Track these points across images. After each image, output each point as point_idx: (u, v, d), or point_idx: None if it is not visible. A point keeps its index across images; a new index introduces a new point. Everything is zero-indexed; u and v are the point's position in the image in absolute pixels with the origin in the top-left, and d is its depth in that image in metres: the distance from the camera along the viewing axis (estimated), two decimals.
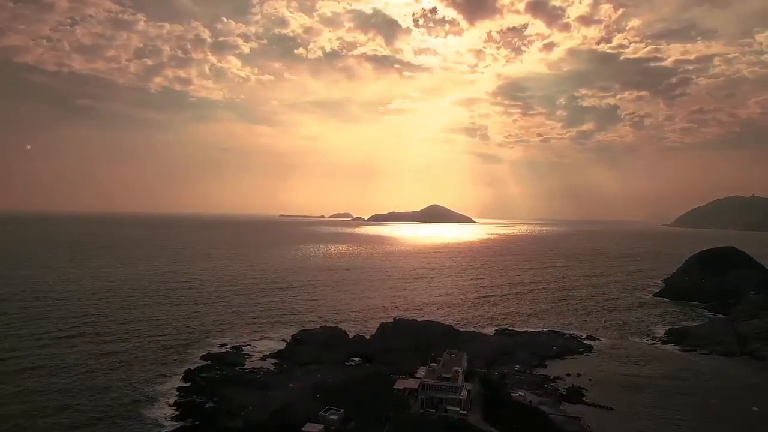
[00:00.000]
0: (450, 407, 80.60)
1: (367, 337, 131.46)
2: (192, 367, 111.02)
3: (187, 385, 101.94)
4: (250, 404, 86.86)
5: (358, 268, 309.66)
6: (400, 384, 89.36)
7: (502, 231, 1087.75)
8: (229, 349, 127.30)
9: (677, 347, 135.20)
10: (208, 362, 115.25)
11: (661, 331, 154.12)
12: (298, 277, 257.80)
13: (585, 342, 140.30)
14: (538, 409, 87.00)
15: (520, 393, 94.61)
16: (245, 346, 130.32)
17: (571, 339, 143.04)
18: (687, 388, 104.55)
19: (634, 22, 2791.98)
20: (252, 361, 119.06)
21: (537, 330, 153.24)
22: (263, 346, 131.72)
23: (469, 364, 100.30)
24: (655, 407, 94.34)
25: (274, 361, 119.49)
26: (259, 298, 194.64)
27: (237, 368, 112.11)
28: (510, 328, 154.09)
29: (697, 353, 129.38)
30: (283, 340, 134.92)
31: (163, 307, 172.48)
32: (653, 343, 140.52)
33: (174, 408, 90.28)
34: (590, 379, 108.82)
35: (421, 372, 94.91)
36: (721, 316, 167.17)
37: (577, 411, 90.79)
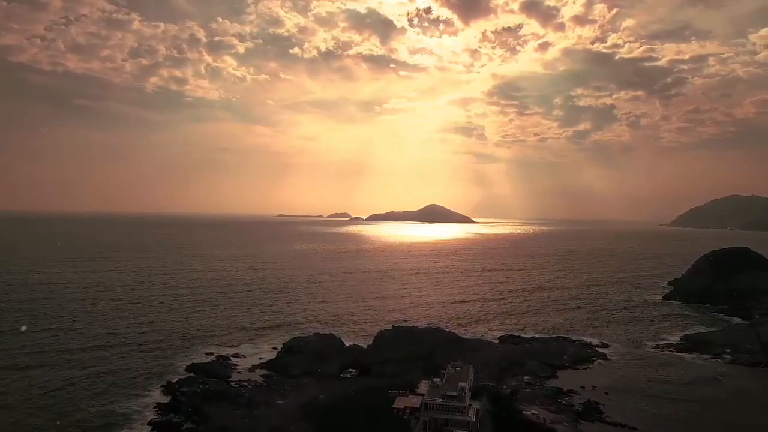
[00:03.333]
0: (456, 430, 71.89)
1: (364, 346, 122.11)
2: (173, 380, 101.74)
3: (166, 400, 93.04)
4: (231, 426, 77.68)
5: (355, 269, 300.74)
6: (400, 402, 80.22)
7: (500, 231, 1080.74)
8: (215, 359, 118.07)
9: (696, 355, 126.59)
10: (192, 374, 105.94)
11: (676, 336, 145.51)
12: (293, 279, 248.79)
13: (597, 350, 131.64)
14: (554, 430, 78.28)
15: (533, 411, 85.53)
16: (233, 355, 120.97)
17: (582, 346, 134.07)
18: (712, 402, 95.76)
19: (629, 22, 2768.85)
20: (239, 373, 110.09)
21: (545, 336, 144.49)
22: (252, 354, 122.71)
23: (476, 377, 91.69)
24: (680, 425, 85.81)
25: (263, 372, 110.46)
26: (250, 302, 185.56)
27: (222, 381, 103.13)
28: (516, 335, 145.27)
29: (719, 362, 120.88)
30: (274, 348, 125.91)
31: (150, 311, 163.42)
32: (669, 351, 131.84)
33: (150, 428, 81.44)
34: (607, 393, 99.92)
35: (423, 386, 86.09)
36: (738, 320, 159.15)
37: (596, 431, 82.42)
